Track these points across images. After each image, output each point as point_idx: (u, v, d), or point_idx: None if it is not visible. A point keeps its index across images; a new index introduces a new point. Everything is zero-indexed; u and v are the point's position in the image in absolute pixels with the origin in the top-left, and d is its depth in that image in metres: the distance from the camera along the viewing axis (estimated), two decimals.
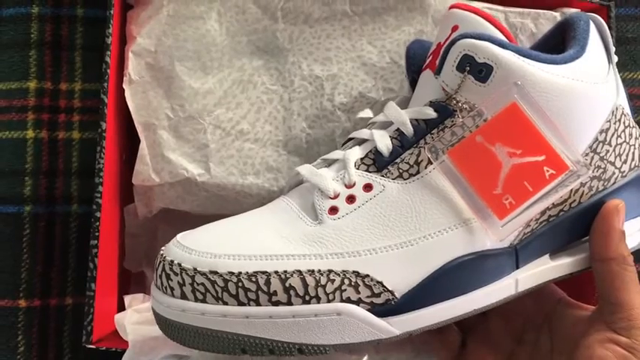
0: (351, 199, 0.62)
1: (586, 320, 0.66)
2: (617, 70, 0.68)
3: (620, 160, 0.66)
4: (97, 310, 0.74)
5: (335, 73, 0.79)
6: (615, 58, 0.68)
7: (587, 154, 0.64)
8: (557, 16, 0.79)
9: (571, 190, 0.63)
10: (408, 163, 0.62)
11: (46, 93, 0.90)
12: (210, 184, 0.78)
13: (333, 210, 0.62)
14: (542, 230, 0.64)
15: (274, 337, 0.59)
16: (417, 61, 0.69)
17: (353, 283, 0.59)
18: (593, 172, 0.64)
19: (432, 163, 0.62)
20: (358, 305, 0.59)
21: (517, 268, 0.64)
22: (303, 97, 0.79)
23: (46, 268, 0.88)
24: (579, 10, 0.80)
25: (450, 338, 0.73)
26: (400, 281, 0.60)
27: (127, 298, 0.78)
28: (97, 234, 0.74)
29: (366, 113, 0.74)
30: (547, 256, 0.66)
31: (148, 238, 0.85)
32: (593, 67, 0.64)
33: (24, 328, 0.87)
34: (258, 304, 0.58)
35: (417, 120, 0.64)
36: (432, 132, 0.63)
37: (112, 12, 0.77)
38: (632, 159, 0.67)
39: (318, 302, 0.59)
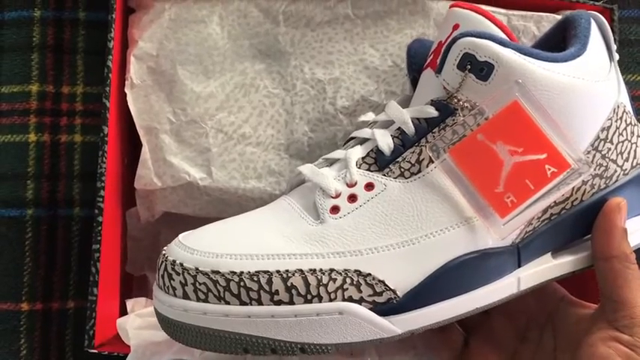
0: (352, 198, 0.62)
1: (589, 318, 0.66)
2: (618, 68, 0.68)
3: (622, 157, 0.66)
4: (99, 314, 0.74)
5: (337, 77, 0.79)
6: (617, 56, 0.68)
7: (588, 152, 0.64)
8: (559, 19, 0.79)
9: (573, 188, 0.63)
10: (409, 162, 0.62)
11: (48, 96, 0.91)
12: (212, 188, 0.78)
13: (335, 209, 0.62)
14: (544, 228, 0.64)
15: (276, 336, 0.58)
16: (418, 60, 0.69)
17: (355, 282, 0.59)
18: (594, 170, 0.64)
19: (433, 162, 0.62)
20: (360, 304, 0.59)
21: (519, 266, 0.64)
22: (305, 100, 0.79)
23: (48, 272, 0.88)
24: None
25: (452, 337, 0.73)
26: (402, 280, 0.60)
27: (130, 302, 0.78)
28: (99, 238, 0.74)
29: (369, 117, 0.74)
30: (549, 254, 0.66)
31: (150, 242, 0.85)
32: (594, 65, 0.64)
33: (26, 331, 0.87)
34: (260, 303, 0.58)
35: (418, 119, 0.64)
36: (434, 131, 0.63)
37: (113, 16, 0.77)
38: (634, 157, 0.67)
39: (320, 301, 0.59)
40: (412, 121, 0.64)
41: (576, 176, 0.61)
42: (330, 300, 0.59)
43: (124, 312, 0.79)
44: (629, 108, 0.67)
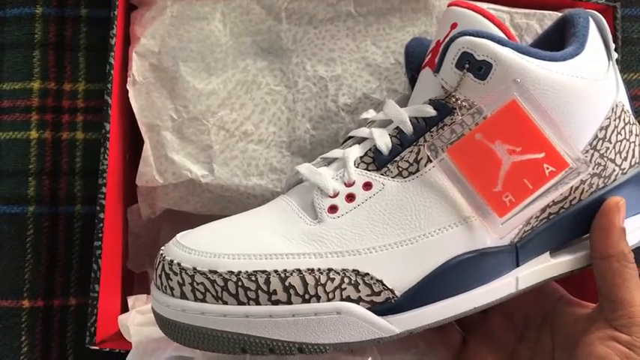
0: (350, 197, 0.62)
1: (587, 318, 0.66)
2: (617, 67, 0.68)
3: (621, 157, 0.66)
4: (100, 311, 0.74)
5: (339, 74, 0.79)
6: (615, 55, 0.68)
7: (587, 152, 0.64)
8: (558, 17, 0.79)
9: (571, 188, 0.63)
10: (407, 161, 0.62)
11: (49, 93, 0.91)
12: (213, 185, 0.78)
13: (333, 209, 0.62)
14: (542, 228, 0.64)
15: (274, 336, 0.58)
16: (416, 59, 0.69)
17: (353, 282, 0.59)
18: (593, 169, 0.64)
19: (431, 161, 0.62)
20: (358, 304, 0.59)
21: (517, 265, 0.64)
22: (307, 98, 0.79)
23: (49, 269, 0.89)
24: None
25: (450, 337, 0.73)
26: (400, 279, 0.60)
27: (131, 299, 0.78)
28: (100, 235, 0.75)
29: (370, 114, 0.74)
30: (547, 253, 0.66)
31: (151, 238, 0.86)
32: (592, 64, 0.64)
33: (27, 328, 0.87)
34: (257, 303, 0.58)
35: (416, 118, 0.64)
36: (432, 130, 0.63)
37: (115, 13, 0.77)
38: (633, 156, 0.67)
39: (318, 301, 0.58)
40: (410, 121, 0.64)
41: (575, 175, 0.61)
42: (328, 300, 0.59)
43: (125, 309, 0.79)
44: (627, 107, 0.67)
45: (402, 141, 0.63)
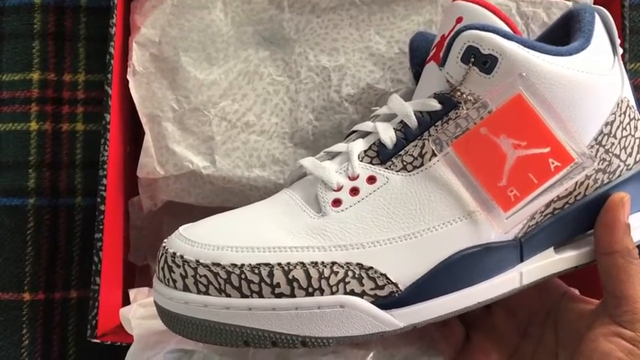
0: (354, 191, 0.62)
1: (590, 314, 0.66)
2: (622, 62, 0.68)
3: (626, 152, 0.65)
4: (101, 304, 0.74)
5: (342, 64, 0.79)
6: (620, 51, 0.67)
7: (592, 147, 0.63)
8: (569, 5, 0.78)
9: (576, 183, 0.63)
10: (412, 155, 0.62)
11: (49, 84, 0.91)
12: (215, 176, 0.78)
13: (337, 202, 0.62)
14: (546, 223, 0.64)
15: (277, 329, 0.58)
16: (421, 53, 0.69)
17: (357, 276, 0.59)
18: (598, 164, 0.64)
19: (436, 155, 0.61)
20: (362, 297, 0.59)
21: (521, 261, 0.64)
22: (310, 88, 0.79)
23: (50, 262, 0.89)
24: None
25: (454, 332, 0.72)
26: (404, 273, 0.60)
27: (132, 292, 0.79)
28: (101, 227, 0.74)
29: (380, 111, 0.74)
30: (552, 249, 0.66)
31: (152, 231, 0.85)
32: (598, 59, 0.64)
33: (28, 321, 0.87)
34: (261, 296, 0.58)
35: (421, 112, 0.63)
36: (436, 124, 0.63)
37: (115, 2, 0.77)
38: (638, 152, 0.67)
39: (322, 294, 0.58)
40: (415, 115, 0.63)
41: (580, 170, 0.60)
42: (332, 293, 0.59)
43: (126, 301, 0.79)
44: (632, 102, 0.67)
45: (406, 135, 0.63)
